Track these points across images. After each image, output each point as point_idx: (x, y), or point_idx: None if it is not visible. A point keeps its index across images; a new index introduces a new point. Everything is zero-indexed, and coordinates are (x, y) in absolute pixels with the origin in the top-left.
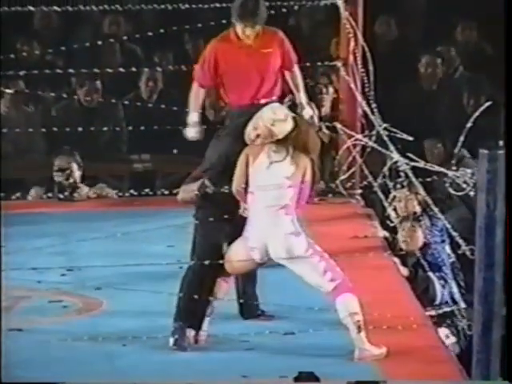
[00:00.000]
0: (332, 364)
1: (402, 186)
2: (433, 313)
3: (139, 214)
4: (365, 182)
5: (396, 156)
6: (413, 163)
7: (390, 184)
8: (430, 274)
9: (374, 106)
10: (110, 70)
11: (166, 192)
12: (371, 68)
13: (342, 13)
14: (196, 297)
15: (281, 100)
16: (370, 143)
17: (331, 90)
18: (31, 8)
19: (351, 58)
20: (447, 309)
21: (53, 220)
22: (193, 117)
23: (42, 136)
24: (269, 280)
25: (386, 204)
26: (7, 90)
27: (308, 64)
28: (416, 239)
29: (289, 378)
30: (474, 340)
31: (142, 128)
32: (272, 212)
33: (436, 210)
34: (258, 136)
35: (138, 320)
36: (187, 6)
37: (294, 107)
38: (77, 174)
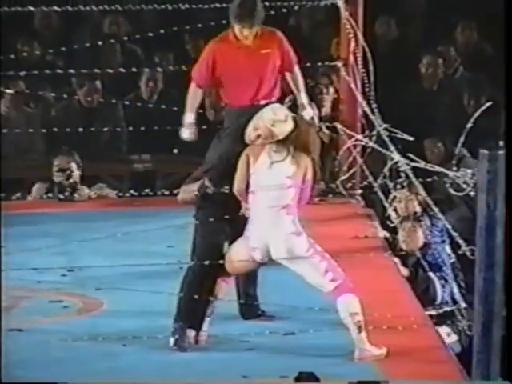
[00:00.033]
0: (332, 364)
1: (403, 187)
2: (433, 312)
3: (139, 214)
4: (365, 183)
5: (396, 156)
6: (413, 163)
7: (391, 184)
8: (431, 274)
9: (374, 106)
10: (110, 71)
11: (167, 192)
12: (371, 68)
13: (342, 13)
14: (196, 297)
15: (281, 101)
16: (371, 143)
17: (331, 90)
18: (31, 8)
19: (351, 58)
20: (447, 308)
21: (53, 220)
22: (188, 117)
23: (42, 136)
24: (269, 280)
25: (386, 204)
26: (7, 90)
27: (308, 64)
28: (416, 239)
29: (289, 378)
30: (474, 340)
31: (143, 128)
32: (273, 212)
33: (436, 210)
34: (258, 137)
35: (138, 320)
36: (187, 5)
37: (294, 108)
38: (76, 174)
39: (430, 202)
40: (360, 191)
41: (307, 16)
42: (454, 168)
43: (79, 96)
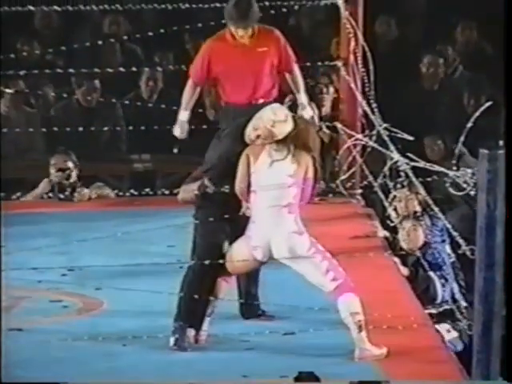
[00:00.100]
0: (332, 364)
1: (403, 186)
2: (433, 311)
3: (139, 213)
4: (365, 182)
5: (396, 156)
6: (413, 163)
7: (391, 184)
8: (431, 273)
9: (374, 105)
10: (110, 70)
11: (167, 192)
12: (371, 68)
13: (342, 13)
14: (196, 297)
15: (281, 100)
16: (371, 143)
17: (331, 89)
18: (31, 8)
19: (351, 57)
20: (447, 307)
21: (53, 220)
22: (181, 115)
23: (42, 136)
24: (269, 280)
25: (386, 204)
26: (7, 90)
27: (308, 64)
28: (417, 238)
29: (289, 377)
30: (474, 340)
31: (143, 128)
32: (275, 211)
33: (436, 209)
34: (258, 137)
35: (138, 320)
36: (187, 5)
37: (294, 107)
38: (73, 173)
39: (430, 202)
40: (360, 191)
41: (307, 16)
42: (454, 168)
43: (78, 95)
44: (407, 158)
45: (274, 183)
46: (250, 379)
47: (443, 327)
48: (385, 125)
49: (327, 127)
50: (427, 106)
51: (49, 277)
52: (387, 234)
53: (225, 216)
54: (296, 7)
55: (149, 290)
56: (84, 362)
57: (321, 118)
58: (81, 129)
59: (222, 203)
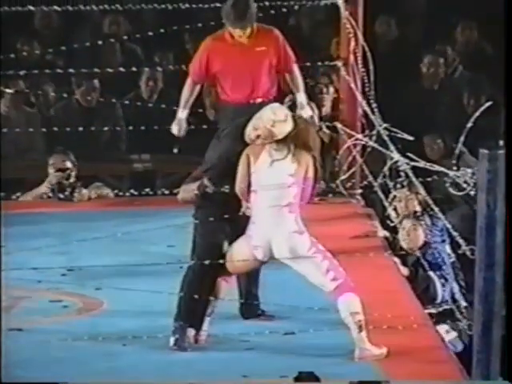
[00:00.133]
0: (332, 364)
1: (403, 186)
2: (433, 311)
3: (139, 213)
4: (365, 182)
5: (396, 156)
6: (413, 163)
7: (391, 184)
8: (431, 273)
9: (374, 105)
10: (110, 70)
11: (167, 192)
12: (371, 68)
13: (342, 12)
14: (196, 296)
15: (281, 100)
16: (371, 143)
17: (331, 89)
18: (31, 8)
19: (351, 57)
20: (447, 307)
21: (53, 220)
22: (179, 113)
23: (42, 136)
24: (269, 280)
25: (386, 204)
26: (7, 90)
27: (308, 64)
28: (417, 237)
29: (289, 377)
30: (474, 340)
31: (143, 128)
32: (276, 210)
33: (436, 209)
34: (258, 136)
35: (138, 320)
36: (187, 5)
37: (294, 107)
38: (73, 173)
39: (430, 202)
40: (360, 191)
41: (307, 16)
42: (454, 167)
43: (78, 95)
44: (407, 157)
45: (274, 183)
46: (250, 379)
47: (442, 328)
48: (385, 125)
49: (327, 127)
50: (427, 105)
51: (49, 277)
52: (387, 233)
53: (225, 216)
54: (296, 7)
55: (149, 290)
56: (84, 362)
57: (321, 118)
58: (81, 129)
59: (222, 203)
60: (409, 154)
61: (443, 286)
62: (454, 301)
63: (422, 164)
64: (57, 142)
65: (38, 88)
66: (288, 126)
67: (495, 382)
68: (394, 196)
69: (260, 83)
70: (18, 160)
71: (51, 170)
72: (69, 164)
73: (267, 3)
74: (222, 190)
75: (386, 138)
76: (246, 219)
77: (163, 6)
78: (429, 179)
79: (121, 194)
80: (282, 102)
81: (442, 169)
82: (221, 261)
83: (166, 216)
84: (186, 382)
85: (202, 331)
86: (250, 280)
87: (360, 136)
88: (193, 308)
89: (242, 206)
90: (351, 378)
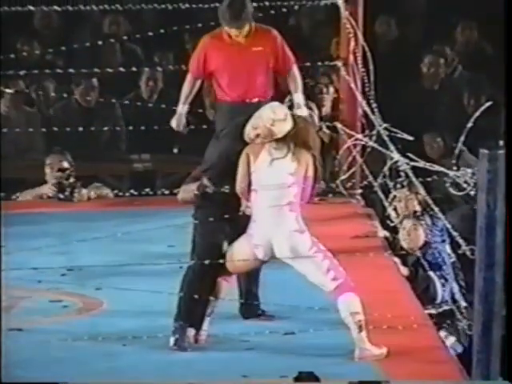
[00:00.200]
0: (332, 364)
1: (402, 186)
2: (433, 311)
3: (139, 213)
4: (365, 182)
5: (396, 156)
6: (413, 163)
7: (391, 184)
8: (431, 273)
9: (374, 105)
10: (110, 70)
11: (166, 192)
12: (371, 68)
13: (342, 12)
14: (196, 296)
15: (280, 100)
16: (371, 143)
17: (331, 89)
18: (31, 8)
19: (351, 57)
20: (447, 307)
21: (53, 220)
22: (180, 108)
23: (42, 136)
24: (269, 280)
25: (386, 204)
26: (7, 90)
27: (308, 64)
28: (417, 237)
29: (289, 377)
30: (474, 340)
31: (142, 128)
32: (276, 209)
33: (436, 209)
34: (257, 135)
35: (138, 320)
36: (187, 5)
37: (293, 107)
38: (71, 173)
39: (430, 202)
40: (360, 191)
41: (307, 15)
42: (454, 167)
43: (77, 95)
44: (407, 157)
45: (274, 181)
46: (250, 379)
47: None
48: (385, 125)
49: (327, 127)
50: (427, 105)
51: (49, 277)
52: (387, 233)
53: (224, 216)
54: (296, 7)
55: (149, 290)
56: (84, 361)
57: (321, 118)
58: (81, 129)
59: (222, 203)
60: (409, 154)
61: (443, 286)
62: (454, 301)
63: (421, 164)
64: (57, 142)
65: (38, 88)
66: (287, 125)
67: (495, 382)
68: (394, 196)
69: (256, 83)
70: (18, 160)
71: (48, 170)
72: (66, 164)
73: (267, 3)
74: (222, 190)
75: (385, 138)
76: (246, 219)
77: (163, 5)
78: (429, 179)
79: (121, 194)
80: (281, 102)
81: (442, 169)
82: (221, 260)
83: (166, 216)
84: (186, 382)
85: (202, 331)
86: (250, 280)
87: (360, 136)
88: (193, 308)
89: (241, 206)
90: (351, 378)
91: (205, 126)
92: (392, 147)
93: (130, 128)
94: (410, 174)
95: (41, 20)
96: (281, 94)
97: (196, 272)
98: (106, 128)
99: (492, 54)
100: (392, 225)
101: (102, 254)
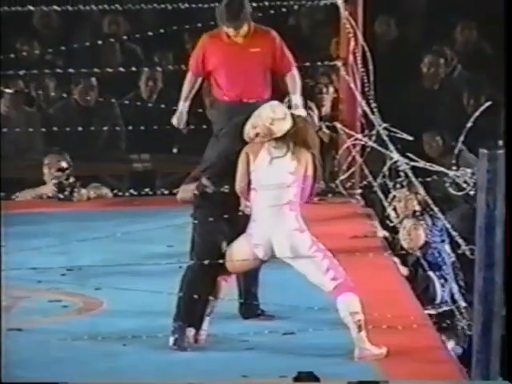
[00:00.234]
0: (332, 364)
1: (402, 186)
2: (432, 312)
3: (139, 213)
4: (365, 182)
5: (396, 156)
6: (412, 163)
7: (390, 184)
8: (430, 273)
9: (373, 105)
10: (109, 70)
11: (166, 192)
12: (371, 68)
13: (341, 13)
14: (196, 296)
15: (280, 100)
16: (370, 143)
17: (331, 89)
18: (31, 8)
19: (351, 57)
20: (447, 308)
21: (53, 220)
22: (180, 106)
23: (42, 136)
24: (269, 280)
25: (385, 204)
26: (7, 90)
27: (308, 64)
28: (417, 237)
29: (288, 377)
30: (473, 340)
31: (142, 128)
32: (276, 209)
33: (436, 209)
34: (257, 135)
35: (138, 320)
36: (187, 5)
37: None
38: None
39: (430, 202)
40: (359, 191)
41: (307, 16)
42: (454, 167)
43: (76, 94)
44: (407, 157)
45: (274, 181)
46: (250, 379)
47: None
48: (384, 125)
49: (327, 127)
50: (427, 105)
51: (48, 277)
52: (387, 233)
53: (223, 215)
54: (296, 7)
55: (149, 290)
56: (84, 362)
57: (320, 118)
58: (80, 129)
59: (221, 202)
60: (408, 154)
61: (443, 286)
62: (454, 301)
63: (421, 164)
64: (56, 141)
65: (38, 88)
66: (287, 124)
67: (495, 382)
68: (394, 196)
69: (253, 83)
70: (17, 160)
71: (46, 170)
72: (64, 164)
73: (266, 3)
74: (221, 190)
75: (385, 138)
76: (245, 218)
77: (163, 5)
78: (428, 179)
79: (120, 193)
80: (281, 102)
81: (441, 169)
82: (220, 260)
83: (166, 216)
84: (186, 382)
85: (202, 331)
86: (249, 280)
87: (359, 136)
88: (192, 308)
89: (240, 205)
90: (351, 378)
91: (205, 126)
92: (392, 147)
93: (130, 128)
94: (410, 173)
95: (40, 20)
96: (280, 94)
97: (195, 272)
98: (105, 128)
99: (492, 53)
100: (392, 225)
101: (101, 254)
